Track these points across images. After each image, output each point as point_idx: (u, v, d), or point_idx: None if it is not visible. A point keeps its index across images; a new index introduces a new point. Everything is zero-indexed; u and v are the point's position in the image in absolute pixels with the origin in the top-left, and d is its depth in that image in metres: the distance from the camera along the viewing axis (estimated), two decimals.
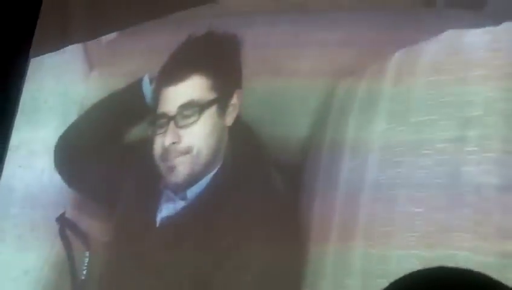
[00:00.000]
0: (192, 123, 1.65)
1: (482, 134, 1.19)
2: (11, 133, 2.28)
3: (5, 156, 2.25)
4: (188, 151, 1.64)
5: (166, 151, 1.67)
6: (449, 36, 1.32)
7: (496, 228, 1.12)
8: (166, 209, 1.69)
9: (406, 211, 1.22)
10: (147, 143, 1.75)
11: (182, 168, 1.64)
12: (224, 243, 1.53)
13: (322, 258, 1.34)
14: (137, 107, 1.84)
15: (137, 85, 1.85)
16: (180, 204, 1.67)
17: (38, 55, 2.30)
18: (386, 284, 1.20)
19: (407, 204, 1.23)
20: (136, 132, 1.86)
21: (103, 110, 1.98)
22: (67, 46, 2.20)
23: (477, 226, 1.14)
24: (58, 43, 2.24)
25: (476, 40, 1.28)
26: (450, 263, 1.13)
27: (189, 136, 1.65)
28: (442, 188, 1.20)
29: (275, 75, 1.62)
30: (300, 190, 1.45)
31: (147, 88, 1.82)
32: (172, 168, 1.65)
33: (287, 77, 1.59)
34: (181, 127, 1.66)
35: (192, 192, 1.64)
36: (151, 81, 1.82)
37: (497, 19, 1.29)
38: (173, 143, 1.66)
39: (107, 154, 1.91)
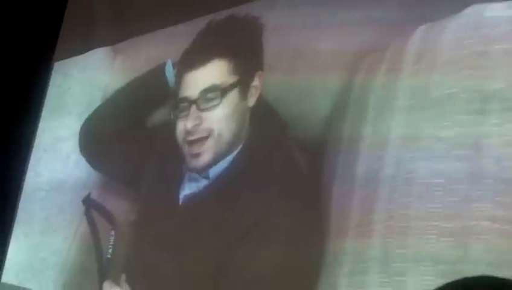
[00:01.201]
0: (214, 106, 1.67)
1: (503, 107, 1.19)
2: (38, 122, 2.33)
3: (33, 144, 2.30)
4: (209, 133, 1.66)
5: (188, 134, 1.69)
6: (471, 11, 1.31)
7: None
8: (189, 188, 1.72)
9: (426, 182, 1.23)
10: (170, 126, 1.77)
11: (205, 154, 1.66)
12: (246, 220, 1.54)
13: (343, 232, 1.35)
14: (160, 91, 1.86)
15: (160, 69, 1.88)
16: (203, 183, 1.69)
17: (62, 59, 2.33)
18: (405, 254, 1.21)
19: (427, 176, 1.23)
20: (159, 116, 1.89)
21: (127, 94, 2.02)
22: (91, 50, 2.23)
23: (497, 196, 1.14)
24: (81, 48, 2.27)
25: (498, 14, 1.28)
26: (470, 233, 1.14)
27: (211, 118, 1.67)
28: (463, 160, 1.20)
29: (296, 56, 1.63)
30: (321, 167, 1.46)
31: (170, 72, 1.84)
32: (196, 155, 1.68)
33: (309, 57, 1.60)
34: (203, 110, 1.68)
35: (214, 171, 1.67)
36: (173, 65, 1.85)
37: None
38: (195, 125, 1.68)
39: (131, 138, 1.94)
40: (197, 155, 1.68)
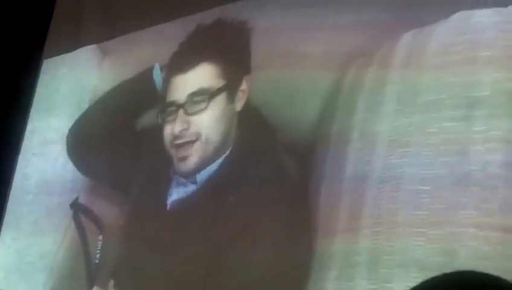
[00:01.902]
0: (201, 110, 1.67)
1: (488, 113, 1.20)
2: (26, 123, 2.31)
3: (21, 145, 2.29)
4: (197, 137, 1.66)
5: (175, 138, 1.69)
6: (458, 17, 1.32)
7: (501, 203, 1.12)
8: (177, 193, 1.71)
9: (413, 189, 1.23)
10: (158, 129, 1.77)
11: (192, 157, 1.66)
12: (234, 225, 1.54)
13: (330, 237, 1.35)
14: (148, 94, 1.86)
15: (148, 73, 1.87)
16: (191, 188, 1.69)
17: (51, 57, 2.32)
18: (393, 260, 1.21)
19: (414, 182, 1.24)
20: (147, 119, 1.89)
21: (115, 97, 2.01)
22: (79, 48, 2.22)
23: (483, 203, 1.15)
24: (70, 45, 2.26)
25: (485, 21, 1.29)
26: (456, 240, 1.15)
27: (199, 122, 1.67)
28: (449, 166, 1.21)
29: (285, 59, 1.63)
30: (309, 172, 1.47)
31: (158, 76, 1.84)
32: (182, 158, 1.68)
33: (297, 61, 1.60)
34: (190, 114, 1.68)
35: (202, 176, 1.66)
36: (161, 69, 1.84)
37: (505, 0, 1.29)
38: (183, 130, 1.68)
39: (119, 142, 1.93)
40: (183, 158, 1.68)
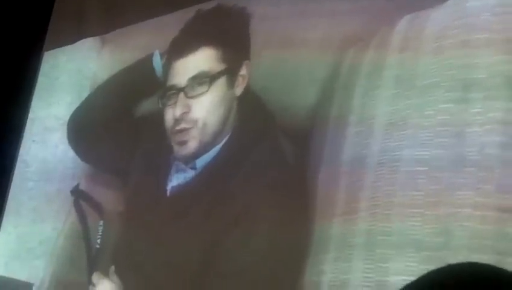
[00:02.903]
0: (202, 94, 1.68)
1: (485, 95, 1.21)
2: (28, 112, 2.32)
3: (23, 133, 2.30)
4: (194, 123, 1.67)
5: (177, 122, 1.70)
6: (454, 1, 1.33)
7: (497, 184, 1.13)
8: (177, 179, 1.72)
9: (410, 170, 1.24)
10: (158, 116, 1.78)
11: (191, 142, 1.67)
12: (233, 211, 1.55)
13: (328, 220, 1.36)
14: (148, 81, 1.86)
15: (148, 60, 1.88)
16: (190, 173, 1.70)
17: (52, 49, 2.33)
18: (390, 241, 1.23)
19: (411, 164, 1.25)
20: (147, 106, 1.89)
21: (114, 85, 2.02)
22: (81, 39, 2.22)
23: (479, 184, 1.15)
24: (71, 37, 2.27)
25: (480, 4, 1.29)
26: (452, 220, 1.16)
27: (199, 106, 1.67)
28: (446, 148, 1.22)
29: (283, 45, 1.64)
30: (308, 156, 1.48)
31: (158, 63, 1.84)
32: (183, 143, 1.68)
33: (296, 47, 1.61)
34: (191, 98, 1.68)
35: (201, 161, 1.67)
36: (161, 56, 1.85)
37: None
38: (183, 113, 1.68)
39: (119, 128, 1.94)
40: (183, 143, 1.68)
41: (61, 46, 2.29)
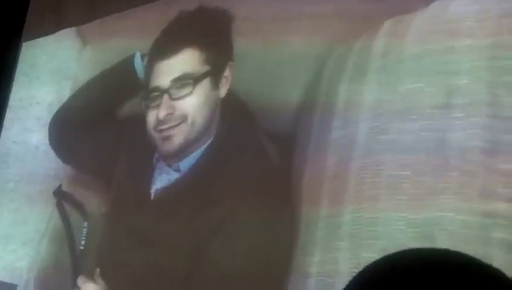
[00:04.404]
0: (186, 95, 1.67)
1: (467, 101, 1.23)
2: (5, 111, 2.30)
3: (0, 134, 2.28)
4: (183, 119, 1.66)
5: (160, 124, 1.70)
6: (437, 5, 1.34)
7: (479, 189, 1.16)
8: (160, 182, 1.72)
9: (394, 174, 1.26)
10: (140, 117, 1.78)
11: (176, 137, 1.67)
12: (218, 213, 1.56)
13: (313, 223, 1.38)
14: (129, 82, 1.86)
15: (129, 61, 1.87)
16: (174, 176, 1.70)
17: (31, 39, 2.30)
18: (374, 245, 1.24)
19: (394, 168, 1.27)
20: (128, 108, 1.89)
21: (96, 87, 2.01)
22: (60, 30, 2.20)
23: (462, 189, 1.18)
24: (50, 27, 2.25)
25: (463, 10, 1.31)
26: (435, 224, 1.18)
27: (184, 106, 1.67)
28: (429, 153, 1.23)
29: (266, 47, 1.65)
30: (292, 158, 1.49)
31: (139, 64, 1.84)
32: (167, 138, 1.68)
33: (279, 47, 1.62)
34: (175, 99, 1.68)
35: (186, 163, 1.67)
36: (142, 57, 1.84)
37: None
38: (168, 114, 1.68)
39: (101, 130, 1.94)
40: (168, 138, 1.67)
41: (40, 36, 2.27)
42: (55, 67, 2.21)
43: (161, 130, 1.69)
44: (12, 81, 2.32)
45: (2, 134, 2.28)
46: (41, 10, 2.32)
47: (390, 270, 0.59)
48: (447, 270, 0.57)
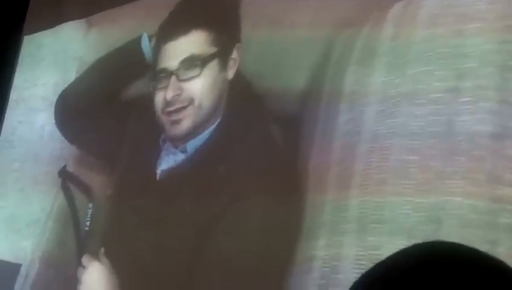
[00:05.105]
0: (194, 77, 1.67)
1: (476, 85, 1.22)
2: (10, 90, 2.30)
3: (4, 112, 2.28)
4: (190, 102, 1.66)
5: (167, 105, 1.69)
6: None
7: (487, 174, 1.15)
8: (166, 163, 1.72)
9: (401, 159, 1.26)
10: (147, 99, 1.77)
11: (184, 121, 1.66)
12: (223, 195, 1.56)
13: (319, 207, 1.37)
14: (136, 64, 1.85)
15: (136, 42, 1.86)
16: (180, 157, 1.70)
17: (32, 33, 2.29)
18: (380, 229, 1.24)
19: (402, 152, 1.26)
20: (135, 89, 1.88)
21: (103, 67, 2.00)
22: (61, 23, 2.19)
23: (470, 173, 1.17)
24: (52, 21, 2.23)
25: None
26: (442, 209, 1.17)
27: (192, 88, 1.66)
28: (437, 137, 1.22)
29: (274, 28, 1.63)
30: (298, 141, 1.48)
31: (146, 45, 1.83)
32: (175, 122, 1.67)
33: (286, 30, 1.60)
34: (183, 81, 1.68)
35: (192, 145, 1.67)
36: (150, 38, 1.83)
37: None
38: (176, 95, 1.67)
39: (108, 111, 1.93)
40: (176, 122, 1.67)
41: (41, 30, 2.26)
42: (60, 48, 2.20)
43: (169, 113, 1.68)
44: (15, 70, 2.31)
45: (7, 114, 2.28)
46: (42, 4, 2.30)
47: (395, 270, 0.58)
48: (451, 270, 0.57)
